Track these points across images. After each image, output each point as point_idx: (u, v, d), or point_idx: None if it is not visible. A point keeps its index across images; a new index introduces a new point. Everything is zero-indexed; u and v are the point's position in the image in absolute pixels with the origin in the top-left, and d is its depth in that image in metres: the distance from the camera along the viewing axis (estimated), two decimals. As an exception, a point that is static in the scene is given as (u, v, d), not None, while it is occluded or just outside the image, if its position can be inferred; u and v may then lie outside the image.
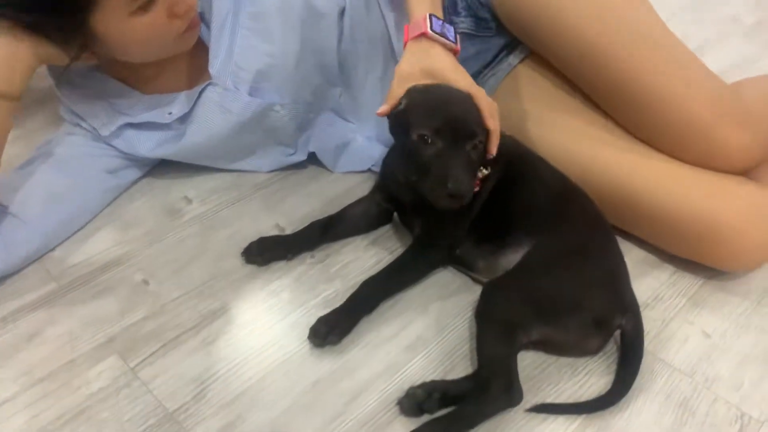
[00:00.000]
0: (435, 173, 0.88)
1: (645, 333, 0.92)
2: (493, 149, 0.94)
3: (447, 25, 0.99)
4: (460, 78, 0.95)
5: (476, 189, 0.96)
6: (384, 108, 0.95)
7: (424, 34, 0.97)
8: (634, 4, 1.13)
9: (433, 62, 0.96)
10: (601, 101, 1.13)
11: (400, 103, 0.93)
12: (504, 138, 0.97)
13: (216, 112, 1.09)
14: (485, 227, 0.99)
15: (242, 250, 1.05)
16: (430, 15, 0.97)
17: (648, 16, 1.12)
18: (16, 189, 1.01)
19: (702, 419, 0.87)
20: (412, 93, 0.93)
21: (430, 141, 0.89)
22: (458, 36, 1.00)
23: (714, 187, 1.02)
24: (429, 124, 0.88)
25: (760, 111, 1.09)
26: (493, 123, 0.93)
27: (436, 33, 0.96)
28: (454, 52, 0.99)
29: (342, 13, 1.15)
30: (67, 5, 0.89)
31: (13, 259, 0.98)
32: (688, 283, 1.05)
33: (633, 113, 1.09)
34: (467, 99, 0.93)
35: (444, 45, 0.97)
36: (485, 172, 0.97)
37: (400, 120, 0.93)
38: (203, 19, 1.11)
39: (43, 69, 1.06)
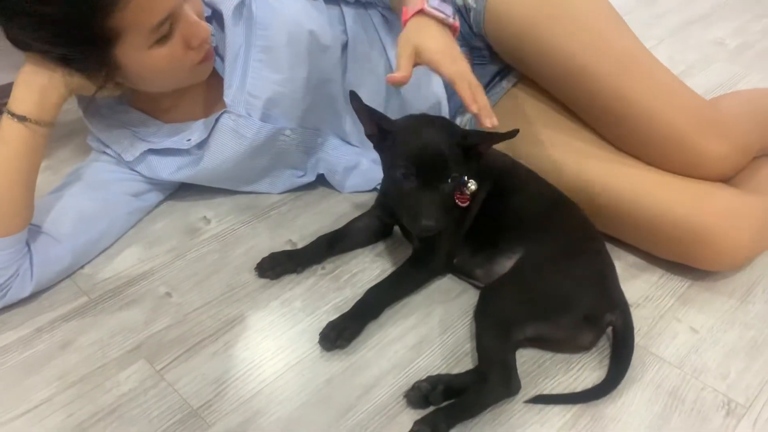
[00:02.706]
0: (412, 208, 0.97)
1: (636, 330, 0.98)
2: (489, 121, 0.98)
3: (443, 2, 1.04)
4: (444, 62, 0.99)
5: (466, 203, 1.04)
6: (398, 75, 1.00)
7: (421, 11, 1.01)
8: (617, 28, 1.21)
9: (424, 41, 1.00)
10: (587, 118, 1.21)
11: (392, 130, 0.99)
12: (494, 153, 1.05)
13: (231, 137, 1.17)
14: (480, 237, 1.07)
15: (255, 266, 1.12)
16: None
17: (629, 39, 1.20)
18: (48, 211, 1.09)
19: (690, 406, 0.93)
20: (397, 127, 1.00)
21: (408, 178, 0.97)
22: (455, 13, 1.05)
23: (695, 193, 1.09)
24: (407, 166, 0.96)
25: (736, 122, 1.16)
26: (476, 105, 0.97)
27: (433, 8, 1.02)
28: (453, 29, 1.05)
29: (345, 46, 1.24)
30: (94, 39, 0.97)
31: (46, 274, 1.06)
32: (676, 284, 1.12)
33: (618, 128, 1.17)
34: (444, 131, 0.99)
35: (441, 20, 1.02)
36: (472, 188, 1.02)
37: (384, 149, 1.02)
38: (217, 52, 1.20)
39: (68, 104, 1.16)
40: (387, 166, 1.04)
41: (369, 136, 1.04)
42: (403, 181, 0.97)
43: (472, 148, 0.99)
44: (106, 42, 0.98)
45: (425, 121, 1.03)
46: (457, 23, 1.05)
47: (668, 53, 1.82)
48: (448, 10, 1.04)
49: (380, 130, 1.01)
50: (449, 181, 0.97)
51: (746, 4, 2.13)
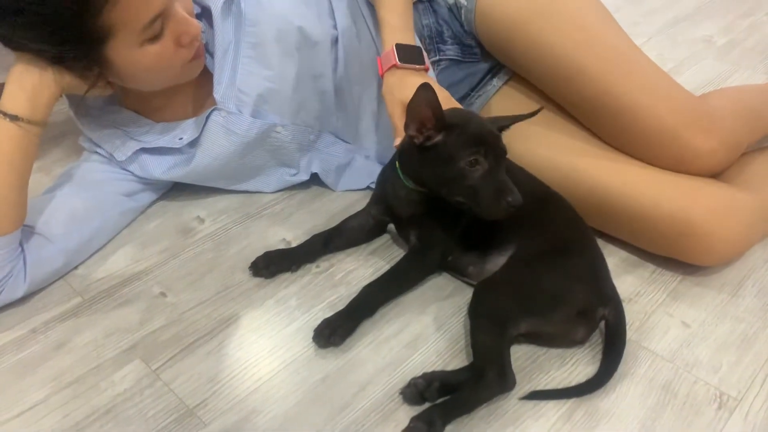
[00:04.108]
0: (490, 191, 0.95)
1: (629, 325, 0.99)
2: None
3: (411, 53, 1.08)
4: (446, 104, 1.02)
5: None
6: (399, 140, 1.03)
7: (394, 66, 1.06)
8: (607, 25, 1.22)
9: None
10: (578, 115, 1.22)
11: (429, 136, 0.97)
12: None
13: (222, 134, 1.17)
14: (473, 235, 1.07)
15: (249, 264, 1.12)
16: (396, 45, 1.07)
17: (618, 35, 1.21)
18: (41, 211, 1.09)
19: (683, 400, 0.94)
20: (449, 120, 0.97)
21: (478, 164, 0.96)
22: (425, 54, 1.10)
23: (686, 189, 1.10)
24: (476, 150, 0.95)
25: (726, 118, 1.17)
26: None
27: (405, 63, 1.06)
28: (425, 70, 1.08)
29: (335, 41, 1.24)
30: (85, 38, 0.97)
31: (39, 275, 1.06)
32: (668, 279, 1.13)
33: (608, 124, 1.18)
34: (484, 118, 1.02)
35: (415, 69, 1.07)
36: None
37: (434, 151, 0.97)
38: (207, 49, 1.20)
39: (60, 105, 1.15)
40: (437, 163, 0.98)
41: (414, 136, 0.98)
42: (470, 169, 0.95)
43: (500, 131, 1.02)
44: (97, 40, 0.98)
45: (464, 111, 1.05)
46: (428, 64, 1.10)
47: (657, 51, 1.83)
48: (420, 59, 1.08)
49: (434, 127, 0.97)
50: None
51: (733, 1, 2.15)
